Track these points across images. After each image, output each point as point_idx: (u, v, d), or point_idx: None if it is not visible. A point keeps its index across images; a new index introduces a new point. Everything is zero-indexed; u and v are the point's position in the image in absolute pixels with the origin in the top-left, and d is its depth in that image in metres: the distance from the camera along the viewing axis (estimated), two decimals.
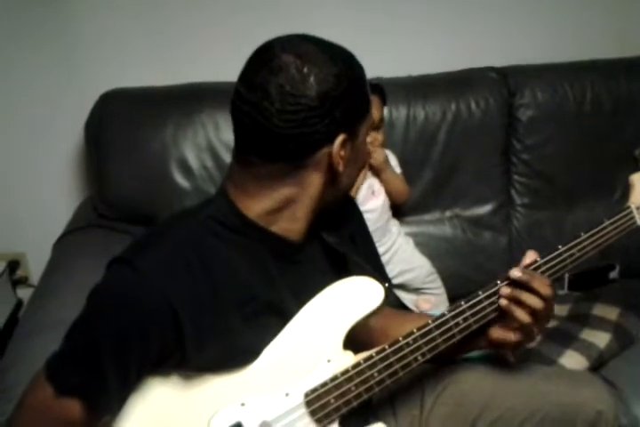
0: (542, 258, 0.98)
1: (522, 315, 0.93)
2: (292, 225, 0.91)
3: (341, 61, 0.85)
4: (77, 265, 1.41)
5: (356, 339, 0.97)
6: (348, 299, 0.94)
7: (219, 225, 0.88)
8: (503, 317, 0.96)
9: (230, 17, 1.72)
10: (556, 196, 1.75)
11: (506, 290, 0.95)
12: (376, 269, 1.03)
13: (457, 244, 1.69)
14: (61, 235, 1.60)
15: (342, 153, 0.86)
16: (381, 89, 1.54)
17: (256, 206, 0.89)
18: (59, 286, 1.36)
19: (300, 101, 0.81)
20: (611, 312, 1.48)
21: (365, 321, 0.96)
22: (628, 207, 1.08)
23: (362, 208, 1.21)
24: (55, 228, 1.65)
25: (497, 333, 0.97)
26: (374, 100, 1.46)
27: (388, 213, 1.61)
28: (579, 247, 1.00)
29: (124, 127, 1.60)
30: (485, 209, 1.72)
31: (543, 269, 0.98)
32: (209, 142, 1.59)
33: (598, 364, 1.37)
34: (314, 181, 0.88)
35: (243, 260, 0.89)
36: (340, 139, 0.85)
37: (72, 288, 0.92)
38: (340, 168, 0.87)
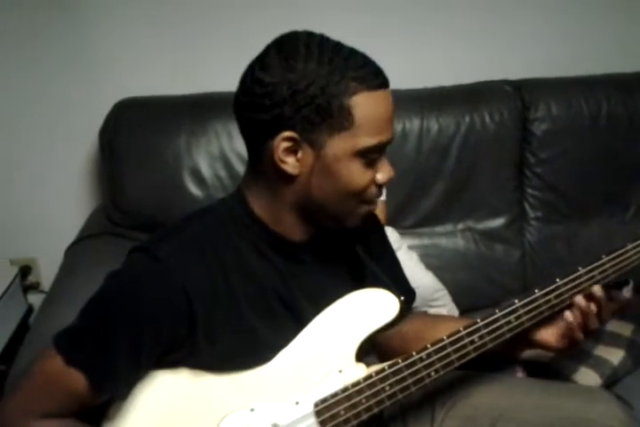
0: (561, 279, 0.97)
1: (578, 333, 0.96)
2: (285, 226, 0.92)
3: (327, 63, 0.83)
4: (89, 272, 1.41)
5: (386, 345, 0.99)
6: (363, 310, 0.94)
7: (231, 221, 0.91)
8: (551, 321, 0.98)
9: (245, 26, 1.73)
10: (569, 210, 1.74)
11: (581, 302, 0.97)
12: (396, 282, 1.03)
13: (469, 257, 1.69)
14: (74, 242, 1.61)
15: (287, 152, 0.85)
16: None
17: (256, 203, 0.92)
18: (70, 292, 1.36)
19: (254, 87, 0.84)
20: (624, 328, 1.46)
21: (391, 330, 0.96)
22: None
23: None
24: (67, 234, 1.66)
25: (546, 335, 0.99)
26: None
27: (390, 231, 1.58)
28: (599, 270, 1.00)
29: (137, 136, 1.61)
30: (498, 222, 1.71)
31: (562, 290, 0.97)
32: (222, 152, 1.60)
33: (612, 381, 1.36)
34: (272, 182, 0.89)
35: (254, 255, 0.91)
36: (284, 134, 0.84)
37: (83, 295, 0.92)
38: (289, 168, 0.85)
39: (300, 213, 0.91)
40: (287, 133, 0.84)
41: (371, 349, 1.00)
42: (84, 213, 1.78)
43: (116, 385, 0.85)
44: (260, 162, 0.88)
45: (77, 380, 0.83)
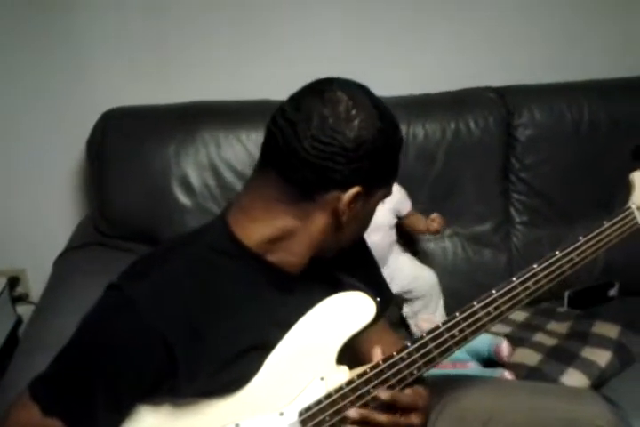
0: (539, 264, 0.97)
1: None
2: (288, 257, 0.90)
3: (388, 122, 0.87)
4: (78, 283, 1.41)
5: (358, 352, 0.97)
6: (340, 315, 0.93)
7: (215, 253, 0.89)
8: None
9: (234, 35, 1.74)
10: (554, 214, 1.76)
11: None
12: (372, 285, 1.02)
13: (457, 261, 1.70)
14: (62, 252, 1.60)
15: (352, 205, 0.87)
16: None
17: (256, 233, 0.88)
18: (59, 303, 1.36)
19: (336, 137, 0.83)
20: (611, 330, 1.47)
21: (366, 334, 0.95)
22: (629, 208, 1.05)
23: None
24: (56, 244, 1.65)
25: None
26: None
27: (388, 248, 1.60)
28: (577, 252, 0.99)
29: (125, 145, 1.60)
30: (485, 227, 1.73)
31: (540, 276, 0.96)
32: (210, 161, 1.60)
33: (599, 382, 1.37)
34: (316, 220, 0.88)
35: (239, 289, 0.89)
36: (355, 189, 0.85)
37: (73, 306, 0.92)
38: (344, 218, 0.87)
39: (315, 248, 0.91)
40: (358, 189, 0.86)
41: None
42: (73, 224, 1.77)
43: None
44: (305, 203, 0.86)
45: None
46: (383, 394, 0.89)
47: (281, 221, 0.88)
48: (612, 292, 1.71)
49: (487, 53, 1.86)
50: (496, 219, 1.73)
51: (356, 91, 0.86)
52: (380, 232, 1.56)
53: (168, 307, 0.83)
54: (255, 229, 0.89)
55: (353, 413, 0.88)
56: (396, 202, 1.58)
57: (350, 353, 0.96)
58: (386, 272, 1.48)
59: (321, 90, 0.85)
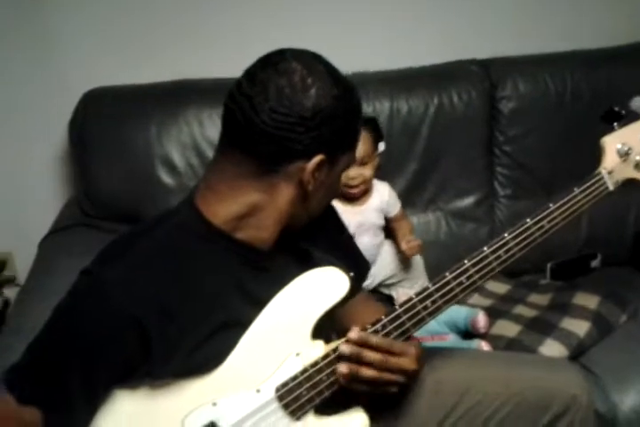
0: (509, 233, 0.97)
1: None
2: (258, 233, 0.91)
3: (343, 88, 0.87)
4: (63, 264, 1.40)
5: (341, 323, 0.98)
6: (314, 291, 0.93)
7: (185, 234, 0.89)
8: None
9: (214, 12, 1.72)
10: (538, 187, 1.76)
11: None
12: (347, 257, 1.02)
13: (440, 236, 1.71)
14: (47, 234, 1.60)
15: (316, 174, 0.87)
16: (375, 123, 1.55)
17: (223, 211, 0.89)
18: (45, 285, 1.37)
19: (294, 108, 0.83)
20: (590, 301, 1.49)
21: (347, 306, 0.96)
22: (599, 173, 1.03)
23: None
24: (42, 227, 1.65)
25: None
26: (363, 135, 1.46)
27: (377, 250, 1.60)
28: (548, 219, 0.98)
29: (107, 126, 1.60)
30: (469, 201, 1.73)
31: (511, 244, 0.96)
32: (193, 140, 1.60)
33: (578, 352, 1.39)
34: (282, 193, 0.88)
35: (210, 269, 0.89)
36: (317, 158, 0.86)
37: (58, 287, 0.93)
38: (310, 187, 0.88)
39: (284, 221, 0.91)
40: (321, 157, 0.86)
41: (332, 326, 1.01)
42: (58, 206, 1.77)
43: (75, 419, 0.85)
44: (270, 177, 0.86)
45: (34, 417, 0.82)
46: (353, 333, 0.89)
47: (247, 197, 0.88)
48: (595, 263, 1.72)
49: (472, 26, 1.84)
50: (480, 193, 1.73)
51: (310, 60, 0.86)
52: (369, 232, 1.57)
53: (139, 289, 0.84)
54: (222, 208, 0.89)
55: (344, 348, 0.89)
56: (386, 202, 1.59)
57: (334, 325, 0.97)
58: (372, 271, 1.49)
59: (275, 61, 0.85)
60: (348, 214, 1.36)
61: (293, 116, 0.83)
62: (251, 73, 0.87)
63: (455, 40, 1.84)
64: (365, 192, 1.56)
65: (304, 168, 0.86)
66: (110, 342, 0.83)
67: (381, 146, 1.55)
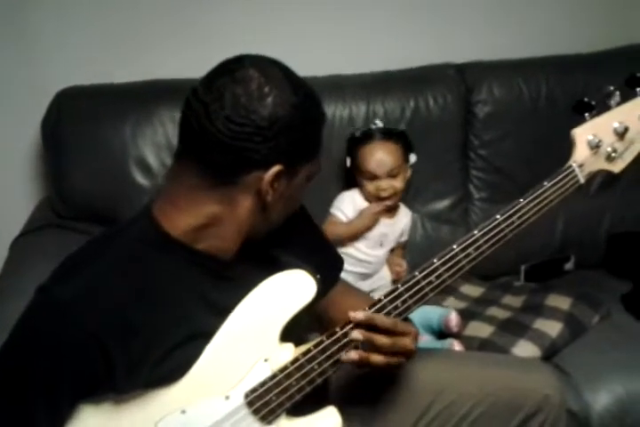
0: (479, 230, 0.96)
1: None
2: (218, 243, 0.89)
3: (303, 96, 0.85)
4: (35, 266, 1.37)
5: (325, 317, 0.99)
6: (280, 295, 0.92)
7: (143, 246, 0.87)
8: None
9: (188, 12, 1.71)
10: (513, 190, 1.76)
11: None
12: (318, 254, 1.01)
13: (416, 238, 1.71)
14: (18, 235, 1.58)
15: (275, 184, 0.86)
16: (405, 136, 1.58)
17: (182, 222, 0.87)
18: (15, 287, 1.34)
19: (250, 116, 0.81)
20: (563, 302, 1.51)
21: (330, 299, 0.96)
22: (570, 166, 1.02)
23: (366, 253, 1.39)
24: (13, 228, 1.62)
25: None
26: (391, 147, 1.50)
27: (381, 265, 1.63)
28: (518, 215, 0.97)
29: (81, 125, 1.58)
30: (444, 204, 1.74)
31: (481, 242, 0.95)
32: (168, 140, 1.58)
33: (551, 352, 1.40)
34: (241, 204, 0.86)
35: (172, 281, 0.88)
36: (275, 168, 0.84)
37: (29, 290, 0.91)
38: (269, 198, 0.86)
39: (245, 232, 0.90)
40: (279, 168, 0.84)
41: (314, 325, 1.01)
42: (30, 207, 1.74)
43: None
44: (227, 188, 0.85)
45: None
46: (359, 314, 0.89)
47: (206, 209, 0.86)
48: (568, 265, 1.74)
49: (449, 30, 1.85)
50: (455, 196, 1.75)
51: (269, 67, 0.85)
52: (387, 246, 1.60)
53: (99, 306, 0.82)
54: (181, 219, 0.87)
55: (356, 334, 0.88)
56: (408, 226, 1.65)
57: (318, 320, 0.96)
58: (367, 283, 1.54)
59: (232, 68, 0.84)
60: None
61: (250, 126, 0.81)
62: (208, 79, 0.85)
63: (431, 44, 1.85)
64: (397, 206, 1.61)
65: (262, 178, 0.84)
66: (71, 361, 0.81)
67: (412, 157, 1.58)
